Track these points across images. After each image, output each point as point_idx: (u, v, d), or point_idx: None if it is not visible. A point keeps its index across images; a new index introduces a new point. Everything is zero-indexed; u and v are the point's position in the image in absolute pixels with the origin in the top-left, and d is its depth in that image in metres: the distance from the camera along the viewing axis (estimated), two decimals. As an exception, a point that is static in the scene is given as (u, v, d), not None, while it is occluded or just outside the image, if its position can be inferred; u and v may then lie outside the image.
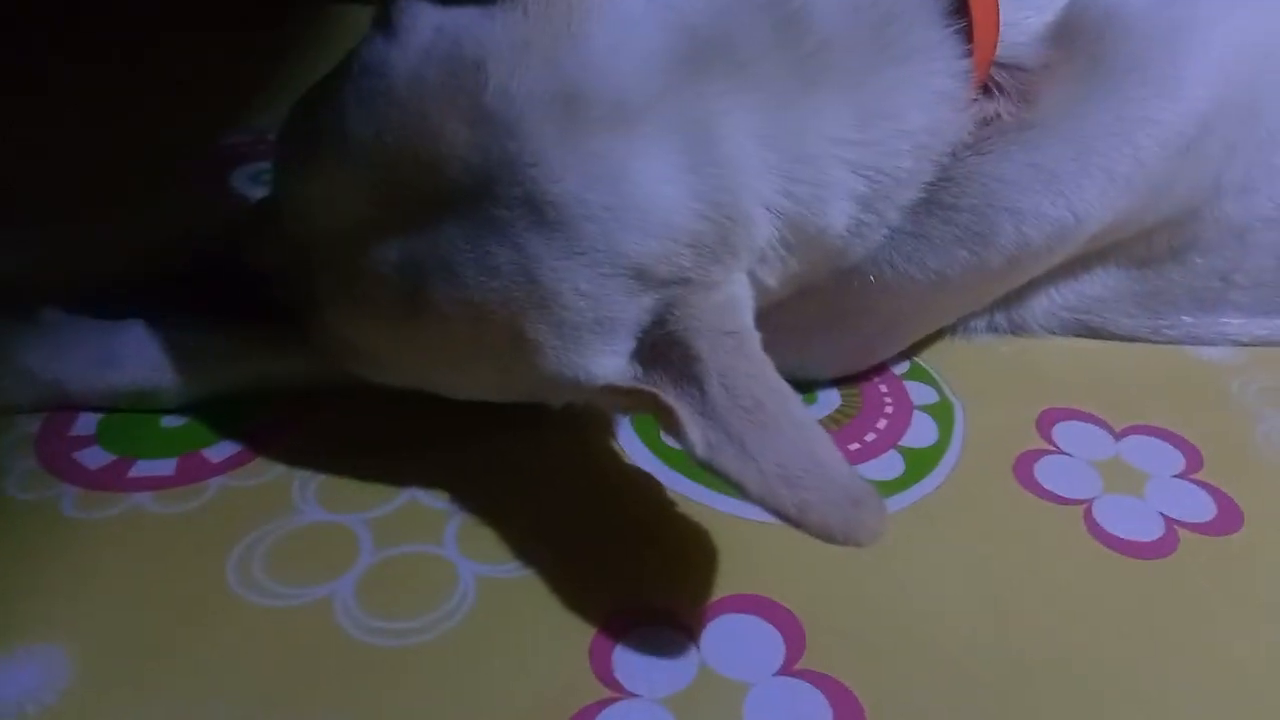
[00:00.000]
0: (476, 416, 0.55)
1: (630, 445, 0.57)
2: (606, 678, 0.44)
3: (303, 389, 0.57)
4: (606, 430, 0.58)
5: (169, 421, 0.55)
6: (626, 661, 0.45)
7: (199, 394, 0.55)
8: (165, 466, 0.52)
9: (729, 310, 0.46)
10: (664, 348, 0.44)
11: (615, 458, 0.56)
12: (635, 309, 0.45)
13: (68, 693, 0.41)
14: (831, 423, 0.60)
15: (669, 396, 0.43)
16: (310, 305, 0.51)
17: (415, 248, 0.45)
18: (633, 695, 0.44)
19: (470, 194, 0.43)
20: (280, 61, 0.98)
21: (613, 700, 0.43)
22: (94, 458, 0.52)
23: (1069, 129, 0.55)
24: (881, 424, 0.61)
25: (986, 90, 0.53)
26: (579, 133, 0.42)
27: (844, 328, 0.59)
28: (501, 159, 0.42)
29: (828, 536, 0.41)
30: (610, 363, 0.45)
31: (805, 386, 0.62)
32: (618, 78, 0.43)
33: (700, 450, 0.42)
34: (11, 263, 0.61)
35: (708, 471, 0.42)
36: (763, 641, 0.47)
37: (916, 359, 0.66)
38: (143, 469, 0.52)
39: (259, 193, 0.77)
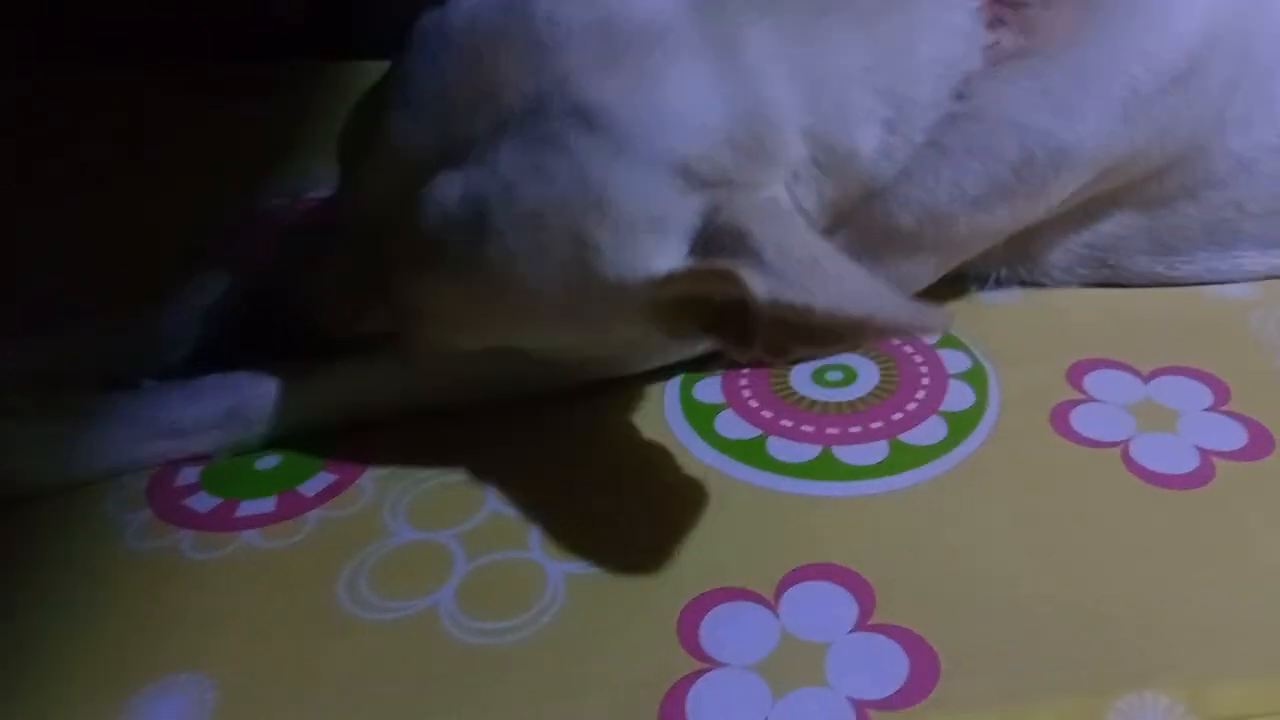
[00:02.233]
0: (538, 425, 0.61)
1: (689, 439, 0.61)
2: (696, 652, 0.48)
3: (375, 406, 0.61)
4: (661, 422, 0.62)
5: (263, 464, 0.60)
6: (712, 635, 0.49)
7: (281, 414, 0.59)
8: (266, 505, 0.57)
9: (774, 203, 0.50)
10: (716, 239, 0.48)
11: (673, 452, 0.60)
12: (684, 208, 0.49)
13: (217, 714, 0.45)
14: (873, 398, 0.64)
15: (727, 265, 0.46)
16: (376, 300, 0.55)
17: (475, 179, 0.49)
18: (723, 665, 0.47)
19: (524, 115, 0.48)
20: (298, 126, 1.00)
21: (704, 671, 0.47)
22: (202, 503, 0.57)
23: (1069, 58, 0.60)
24: (921, 393, 0.64)
25: (993, 24, 0.58)
26: (618, 47, 0.48)
27: (875, 259, 0.61)
28: (551, 77, 0.48)
29: (898, 329, 0.45)
30: (665, 262, 0.49)
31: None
32: (645, 2, 0.49)
33: (763, 292, 0.44)
34: (77, 346, 0.65)
35: (772, 314, 0.44)
36: (835, 603, 0.50)
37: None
38: (247, 509, 0.57)
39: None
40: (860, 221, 0.60)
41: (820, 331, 0.45)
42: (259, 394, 0.59)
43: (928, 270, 0.66)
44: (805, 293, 0.44)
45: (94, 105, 1.01)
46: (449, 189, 0.50)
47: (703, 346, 0.63)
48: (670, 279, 0.49)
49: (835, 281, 0.45)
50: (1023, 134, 0.60)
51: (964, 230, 0.64)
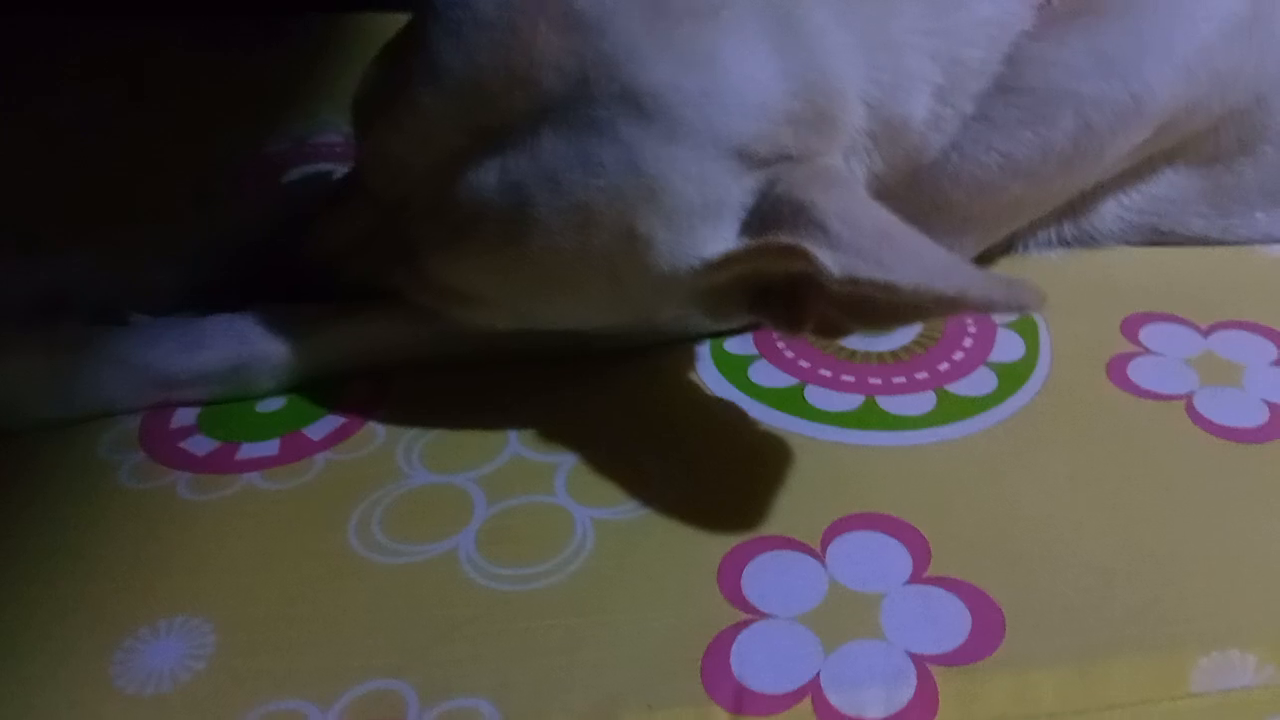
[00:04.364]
0: (559, 368, 0.57)
1: (719, 386, 0.57)
2: (739, 601, 0.44)
3: (391, 358, 0.57)
4: (691, 369, 0.58)
5: (265, 406, 0.56)
6: (756, 585, 0.45)
7: (290, 370, 0.56)
8: (269, 448, 0.53)
9: (834, 171, 0.46)
10: (773, 213, 0.44)
11: (705, 397, 0.57)
12: (740, 189, 0.45)
13: (215, 658, 0.42)
14: (917, 346, 0.60)
15: (791, 239, 0.42)
16: (401, 266, 0.51)
17: (514, 166, 0.45)
18: (768, 616, 0.44)
19: (566, 100, 0.44)
20: (305, 73, 0.98)
21: (748, 622, 0.43)
22: (199, 445, 0.53)
23: (1126, 15, 0.56)
24: (968, 342, 0.60)
25: None
26: (667, 23, 0.44)
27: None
28: (596, 59, 0.43)
29: (992, 306, 0.40)
30: (718, 246, 0.45)
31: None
32: None
33: (836, 269, 0.40)
34: (75, 276, 0.61)
35: (848, 287, 0.41)
36: (887, 554, 0.47)
37: (990, 282, 0.66)
38: (248, 451, 0.53)
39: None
40: (906, 196, 0.56)
41: (900, 309, 0.42)
42: (267, 347, 0.55)
43: (973, 243, 0.63)
44: (883, 268, 0.40)
45: (100, 51, 0.97)
46: (486, 174, 0.46)
47: (741, 323, 0.60)
48: (726, 261, 0.45)
49: (913, 256, 0.41)
50: (1077, 101, 0.56)
51: (1014, 202, 0.61)
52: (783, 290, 0.47)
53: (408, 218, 0.50)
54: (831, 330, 0.47)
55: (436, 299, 0.52)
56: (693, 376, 0.58)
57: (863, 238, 0.42)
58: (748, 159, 0.45)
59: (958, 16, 0.52)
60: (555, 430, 0.54)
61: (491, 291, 0.50)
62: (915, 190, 0.56)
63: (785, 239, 0.43)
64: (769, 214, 0.45)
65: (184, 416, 0.55)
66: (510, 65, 0.45)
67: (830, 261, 0.40)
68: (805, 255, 0.41)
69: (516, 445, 0.53)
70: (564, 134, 0.44)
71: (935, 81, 0.52)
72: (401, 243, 0.51)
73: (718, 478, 0.51)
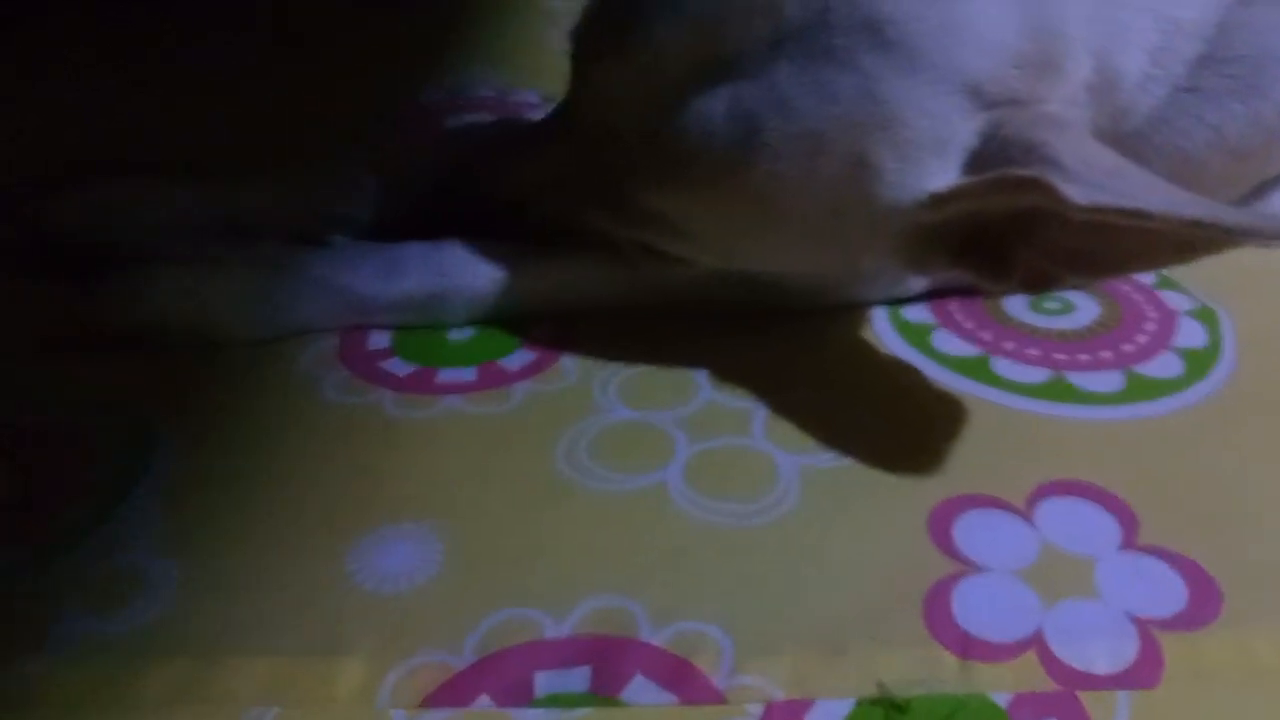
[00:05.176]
0: (738, 319, 0.57)
1: (902, 350, 0.57)
2: (953, 553, 0.44)
3: (583, 301, 0.58)
4: (869, 330, 0.59)
5: (456, 335, 0.57)
6: (968, 539, 0.45)
7: (485, 304, 0.56)
8: (467, 374, 0.54)
9: (1060, 115, 0.46)
10: (1000, 153, 0.44)
11: (885, 357, 0.57)
12: (968, 129, 0.45)
13: (446, 564, 0.43)
14: (1100, 327, 0.60)
15: (1032, 173, 0.42)
16: (600, 204, 0.52)
17: (746, 94, 0.45)
18: (984, 569, 0.44)
19: (806, 28, 0.44)
20: (450, 28, 0.99)
21: (965, 573, 0.43)
22: (398, 367, 0.54)
23: None
24: (1150, 327, 0.60)
25: None
26: None
27: None
28: None
29: (1242, 232, 0.40)
30: (941, 182, 0.45)
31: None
32: None
33: (1081, 197, 0.40)
34: (257, 207, 0.62)
35: (1091, 216, 0.40)
36: (1095, 521, 0.47)
37: (1161, 271, 0.66)
38: (446, 376, 0.53)
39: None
40: None
41: (1124, 253, 0.43)
42: (466, 281, 0.56)
43: None
44: (1128, 197, 0.40)
45: (242, 6, 1.00)
46: (715, 102, 0.46)
47: (923, 284, 0.60)
48: (953, 195, 0.45)
49: (1153, 189, 0.41)
50: None
51: (1215, 178, 0.60)
52: (990, 240, 0.47)
53: (619, 151, 0.50)
54: (1040, 282, 0.47)
55: (643, 233, 0.52)
56: (870, 337, 0.58)
57: (1098, 173, 0.42)
58: (979, 98, 0.45)
59: None
60: (742, 377, 0.54)
61: (706, 224, 0.50)
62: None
63: (1023, 171, 0.43)
64: (997, 153, 0.45)
65: (379, 339, 0.56)
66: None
67: (1074, 192, 0.40)
68: (1045, 187, 0.41)
69: (709, 391, 0.53)
70: (800, 62, 0.45)
71: (1150, 39, 0.51)
72: (605, 179, 0.51)
73: (912, 435, 0.51)
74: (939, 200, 0.46)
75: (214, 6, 1.01)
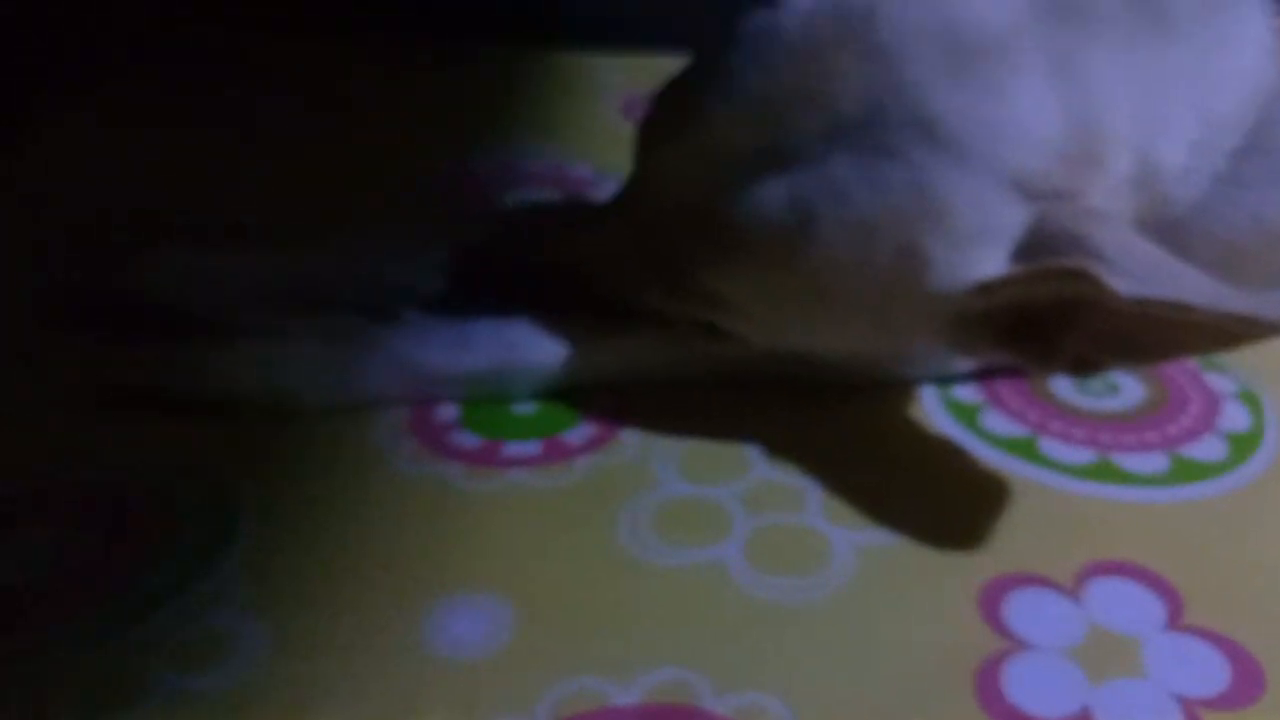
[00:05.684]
0: (788, 394, 0.59)
1: (951, 429, 0.59)
2: (1003, 630, 0.46)
3: (641, 377, 0.60)
4: (918, 409, 0.61)
5: (521, 409, 0.59)
6: (1017, 617, 0.47)
7: (550, 378, 0.59)
8: (532, 448, 0.56)
9: (1101, 210, 0.49)
10: (1045, 244, 0.46)
11: (934, 435, 0.59)
12: (1015, 220, 0.47)
13: (518, 634, 0.45)
14: (1146, 409, 0.61)
15: (1077, 263, 0.44)
16: (657, 283, 0.54)
17: (803, 182, 0.48)
18: (1032, 647, 0.45)
19: (861, 123, 0.47)
20: (501, 100, 1.02)
21: (1014, 651, 0.45)
22: (466, 440, 0.56)
23: None
24: (1193, 409, 0.62)
25: None
26: (961, 60, 0.47)
27: None
28: (894, 87, 0.47)
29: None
30: (994, 269, 0.47)
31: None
32: (991, 14, 0.48)
33: (1126, 288, 0.42)
34: (324, 276, 0.65)
35: (1135, 308, 0.42)
36: (1141, 601, 0.48)
37: (1206, 354, 0.67)
38: (512, 450, 0.56)
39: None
40: None
41: (1168, 340, 0.45)
42: (532, 355, 0.59)
43: None
44: (1171, 289, 0.42)
45: (289, 67, 1.04)
46: (772, 189, 0.49)
47: (971, 364, 0.62)
48: (998, 284, 0.47)
49: (1194, 280, 0.43)
50: None
51: (1257, 262, 0.62)
52: (1036, 325, 0.49)
53: (677, 232, 0.53)
54: (1085, 366, 0.49)
55: (699, 311, 0.54)
56: (920, 415, 0.60)
57: (1140, 264, 0.44)
58: (1025, 190, 0.47)
59: (1218, 66, 0.53)
60: (795, 452, 0.56)
61: (760, 305, 0.52)
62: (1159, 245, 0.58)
63: (1069, 263, 0.45)
64: (1044, 244, 0.47)
65: (448, 411, 0.58)
66: (808, 89, 0.48)
67: (1119, 282, 0.43)
68: (1091, 278, 0.43)
69: (763, 468, 0.55)
70: (855, 155, 0.47)
71: (1191, 133, 0.53)
72: (663, 258, 0.54)
73: (961, 513, 0.53)
74: (986, 288, 0.48)
75: (258, 73, 1.05)
